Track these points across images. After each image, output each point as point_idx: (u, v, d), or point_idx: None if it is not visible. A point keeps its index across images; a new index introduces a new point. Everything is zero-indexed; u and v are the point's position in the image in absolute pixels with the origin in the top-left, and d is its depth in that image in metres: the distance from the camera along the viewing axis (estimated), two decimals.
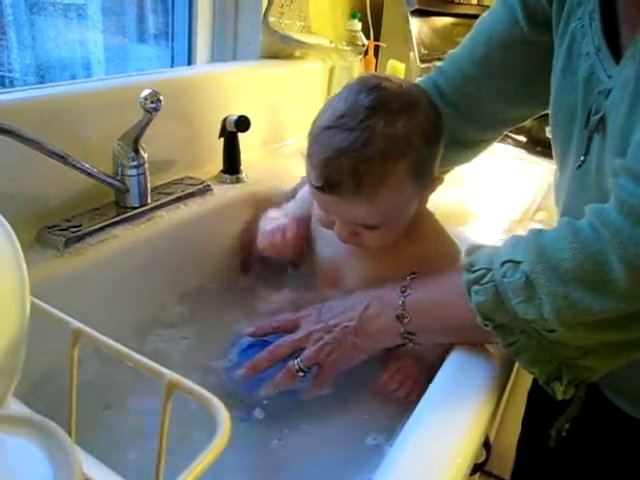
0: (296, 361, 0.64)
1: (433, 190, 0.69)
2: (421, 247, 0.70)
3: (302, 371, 0.63)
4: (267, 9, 1.16)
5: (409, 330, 0.61)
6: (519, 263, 0.53)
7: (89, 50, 1.12)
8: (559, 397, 0.55)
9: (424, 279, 0.63)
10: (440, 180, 0.68)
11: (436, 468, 0.45)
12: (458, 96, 0.80)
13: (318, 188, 0.62)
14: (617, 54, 0.59)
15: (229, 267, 0.90)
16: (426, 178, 0.65)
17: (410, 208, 0.67)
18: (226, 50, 1.21)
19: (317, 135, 0.62)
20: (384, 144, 0.59)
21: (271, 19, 1.17)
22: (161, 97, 0.72)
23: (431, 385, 0.56)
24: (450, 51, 0.84)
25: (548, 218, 1.07)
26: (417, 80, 0.87)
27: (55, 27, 1.04)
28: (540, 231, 0.55)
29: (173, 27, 1.19)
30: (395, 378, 0.66)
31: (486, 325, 0.55)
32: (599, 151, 0.59)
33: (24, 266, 0.34)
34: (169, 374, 0.29)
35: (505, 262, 0.54)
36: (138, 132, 0.75)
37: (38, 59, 1.01)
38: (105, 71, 1.15)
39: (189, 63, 1.20)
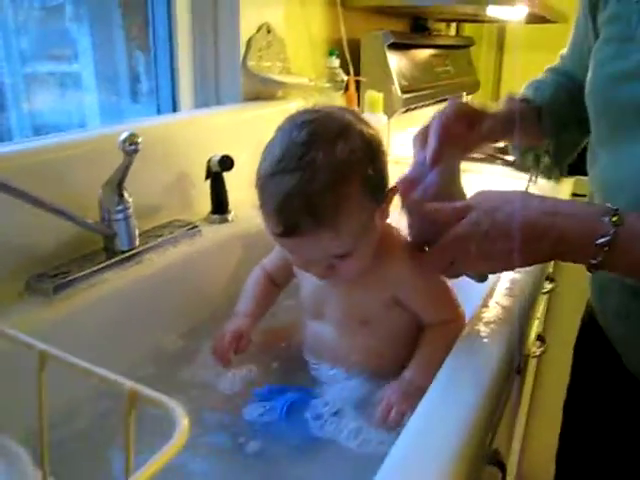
0: None
1: (391, 201, 0.69)
2: (392, 266, 0.70)
3: None
4: (245, 54, 1.19)
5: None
6: None
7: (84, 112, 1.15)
8: None
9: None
10: (394, 190, 0.68)
11: None
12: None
13: (279, 235, 0.62)
14: None
15: (221, 306, 0.90)
16: (380, 191, 0.66)
17: (374, 226, 0.67)
18: (209, 97, 1.24)
19: (264, 185, 0.62)
20: (329, 173, 0.59)
21: (250, 63, 1.20)
22: (139, 139, 0.74)
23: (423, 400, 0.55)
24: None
25: None
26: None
27: (52, 95, 1.08)
28: None
29: (157, 80, 1.23)
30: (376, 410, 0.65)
31: None
32: None
33: None
34: (130, 384, 0.29)
35: None
36: (120, 176, 0.77)
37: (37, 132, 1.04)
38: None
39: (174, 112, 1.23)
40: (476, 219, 0.59)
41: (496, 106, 0.83)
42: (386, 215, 0.70)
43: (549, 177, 0.91)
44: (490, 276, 0.68)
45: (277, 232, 0.62)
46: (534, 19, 1.83)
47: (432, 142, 0.68)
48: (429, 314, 0.72)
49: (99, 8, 1.13)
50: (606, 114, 0.70)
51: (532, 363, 1.39)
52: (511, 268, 0.65)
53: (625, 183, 0.65)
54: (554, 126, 0.84)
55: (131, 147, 0.73)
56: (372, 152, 0.64)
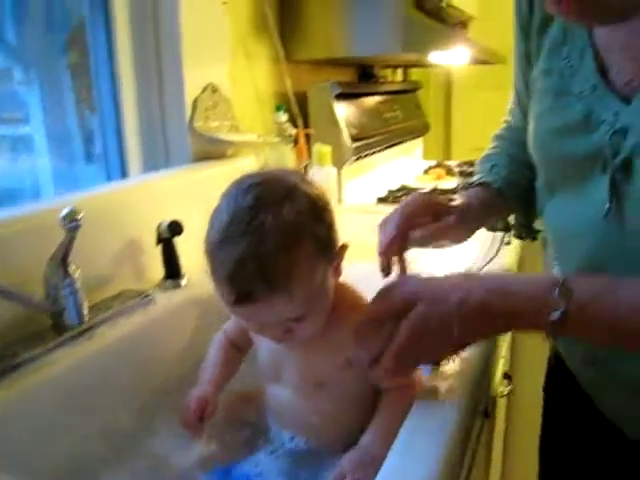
0: None
1: (342, 259, 0.69)
2: (345, 328, 0.67)
3: None
4: (192, 115, 1.19)
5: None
6: None
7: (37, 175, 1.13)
8: None
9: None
10: (345, 246, 0.69)
11: None
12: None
13: (233, 303, 0.61)
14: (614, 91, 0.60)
15: (177, 374, 0.88)
16: (331, 249, 0.66)
17: (329, 284, 0.67)
18: (158, 159, 1.24)
19: (213, 252, 0.62)
20: (279, 235, 0.59)
21: (197, 124, 1.20)
22: (80, 215, 0.72)
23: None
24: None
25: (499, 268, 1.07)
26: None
27: (3, 159, 1.08)
28: None
29: (105, 144, 1.22)
30: None
31: None
32: (632, 196, 0.58)
33: None
34: None
35: None
36: (64, 251, 0.75)
37: None
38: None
39: (123, 176, 1.22)
40: (424, 310, 0.57)
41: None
42: (338, 273, 0.70)
43: (521, 238, 0.93)
44: None
45: (230, 300, 0.61)
46: (476, 61, 1.90)
47: (390, 229, 0.71)
48: None
49: (48, 71, 1.13)
50: (550, 166, 0.71)
51: (502, 402, 1.38)
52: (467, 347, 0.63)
53: (577, 235, 0.66)
54: (519, 199, 0.85)
55: (72, 224, 0.71)
56: (319, 212, 0.65)
